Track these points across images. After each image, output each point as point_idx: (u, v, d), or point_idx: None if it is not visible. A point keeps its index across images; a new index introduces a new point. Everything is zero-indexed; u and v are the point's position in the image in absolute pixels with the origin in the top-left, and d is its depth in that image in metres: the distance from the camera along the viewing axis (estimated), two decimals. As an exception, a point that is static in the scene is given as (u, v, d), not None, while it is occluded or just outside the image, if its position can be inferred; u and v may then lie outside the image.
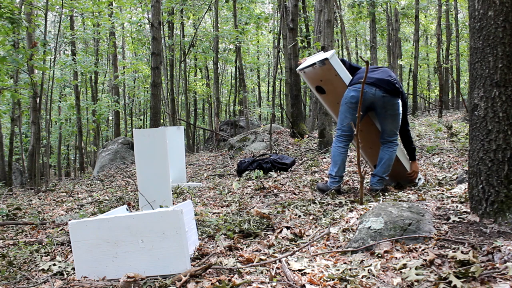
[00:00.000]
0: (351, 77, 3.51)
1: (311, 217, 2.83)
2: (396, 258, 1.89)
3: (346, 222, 2.56)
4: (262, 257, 2.10)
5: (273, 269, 1.89)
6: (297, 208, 3.08)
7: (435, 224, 2.22)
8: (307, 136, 7.94)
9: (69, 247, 2.62)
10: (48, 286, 1.99)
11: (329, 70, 3.48)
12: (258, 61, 20.20)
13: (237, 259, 2.12)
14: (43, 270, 2.24)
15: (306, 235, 2.47)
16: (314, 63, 3.50)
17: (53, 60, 7.96)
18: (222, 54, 16.31)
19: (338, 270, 1.83)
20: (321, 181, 4.07)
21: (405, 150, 3.70)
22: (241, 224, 2.61)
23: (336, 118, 3.74)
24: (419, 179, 3.69)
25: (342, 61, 3.63)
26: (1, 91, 7.66)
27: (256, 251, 2.27)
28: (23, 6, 9.07)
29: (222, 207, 3.49)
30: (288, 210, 3.06)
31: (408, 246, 1.99)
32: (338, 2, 12.71)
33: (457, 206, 2.46)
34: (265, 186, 4.04)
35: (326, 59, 3.42)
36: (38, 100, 8.06)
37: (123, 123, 19.51)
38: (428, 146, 5.28)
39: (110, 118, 18.75)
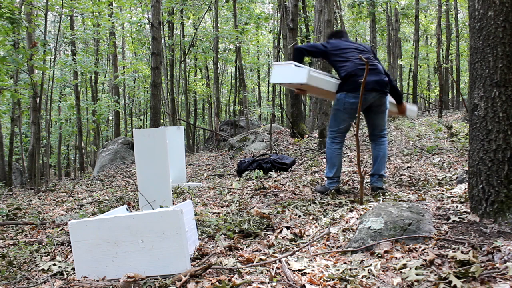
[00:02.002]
0: (337, 81, 3.39)
1: (311, 217, 2.83)
2: (396, 258, 1.89)
3: (346, 222, 2.56)
4: (262, 257, 2.10)
5: (273, 269, 1.89)
6: (297, 208, 3.08)
7: (435, 224, 2.22)
8: (307, 136, 7.93)
9: (69, 247, 2.62)
10: (48, 286, 1.99)
11: (310, 87, 3.40)
12: (258, 61, 20.20)
13: (237, 259, 2.12)
14: (43, 270, 2.24)
15: (306, 235, 2.47)
16: (291, 83, 3.41)
17: (53, 60, 7.96)
18: (222, 54, 16.31)
19: (338, 270, 1.83)
20: (321, 180, 4.07)
21: (392, 98, 3.65)
22: (241, 224, 2.61)
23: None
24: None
25: (338, 32, 3.65)
26: (1, 91, 7.67)
27: (256, 251, 2.27)
28: (23, 6, 9.07)
29: (222, 207, 3.49)
30: (288, 210, 3.06)
31: (408, 246, 1.99)
32: (338, 2, 12.70)
33: (457, 206, 2.46)
34: (265, 186, 4.04)
35: (304, 84, 3.28)
36: (38, 100, 8.06)
37: (123, 123, 19.50)
38: (428, 146, 5.28)
39: (110, 118, 18.75)
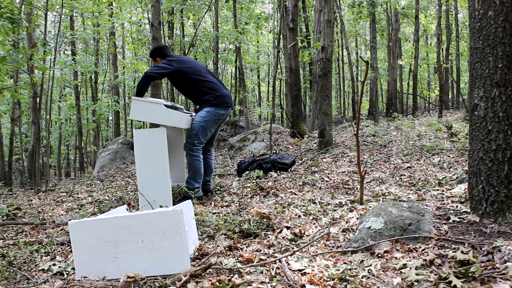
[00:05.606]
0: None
1: (311, 217, 2.83)
2: (396, 258, 1.89)
3: (346, 222, 2.56)
4: (262, 257, 2.10)
5: (273, 269, 1.89)
6: (297, 208, 3.08)
7: (435, 224, 2.22)
8: (307, 136, 7.93)
9: (69, 247, 2.62)
10: (48, 286, 1.99)
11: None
12: (258, 61, 20.18)
13: (237, 259, 2.12)
14: (43, 270, 2.24)
15: (306, 235, 2.47)
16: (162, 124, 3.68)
17: (53, 60, 7.95)
18: (222, 54, 16.31)
19: (338, 270, 1.83)
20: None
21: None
22: (241, 224, 2.61)
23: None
24: None
25: (166, 48, 3.84)
26: (1, 91, 7.66)
27: (256, 251, 2.27)
28: (23, 6, 9.06)
29: (222, 207, 3.49)
30: (288, 210, 3.06)
31: (408, 246, 1.99)
32: (338, 2, 12.71)
33: (457, 206, 2.46)
34: (265, 186, 4.04)
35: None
36: (38, 100, 8.05)
37: (123, 123, 19.50)
38: (428, 146, 5.28)
39: (110, 118, 18.73)
